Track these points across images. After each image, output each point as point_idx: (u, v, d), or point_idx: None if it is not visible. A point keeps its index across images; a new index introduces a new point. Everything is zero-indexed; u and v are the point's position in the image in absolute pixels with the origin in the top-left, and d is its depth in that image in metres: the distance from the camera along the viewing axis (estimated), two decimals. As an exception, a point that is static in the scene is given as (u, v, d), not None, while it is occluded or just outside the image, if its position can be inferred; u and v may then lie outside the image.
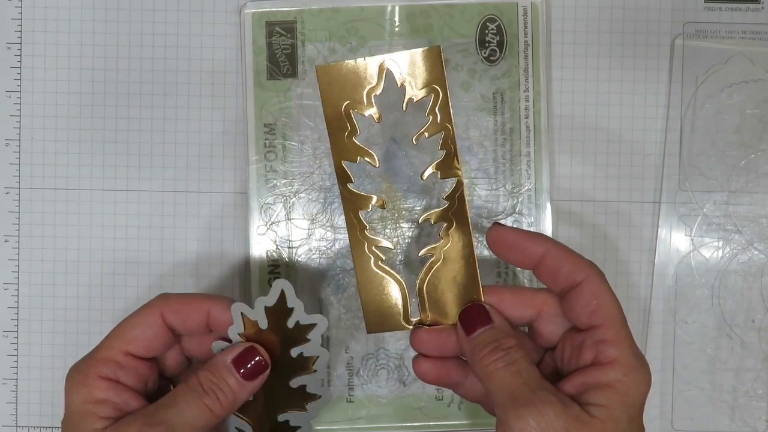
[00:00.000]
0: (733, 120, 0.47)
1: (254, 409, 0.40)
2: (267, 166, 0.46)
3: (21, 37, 0.47)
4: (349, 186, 0.38)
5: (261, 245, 0.46)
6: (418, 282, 0.39)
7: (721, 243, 0.47)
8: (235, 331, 0.39)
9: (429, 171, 0.38)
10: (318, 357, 0.39)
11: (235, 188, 0.47)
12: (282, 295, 0.38)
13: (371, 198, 0.38)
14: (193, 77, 0.47)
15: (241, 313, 0.38)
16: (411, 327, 0.39)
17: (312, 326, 0.39)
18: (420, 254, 0.39)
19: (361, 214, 0.38)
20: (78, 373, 0.37)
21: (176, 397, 0.37)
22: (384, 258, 0.39)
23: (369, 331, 0.39)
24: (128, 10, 0.47)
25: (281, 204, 0.46)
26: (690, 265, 0.47)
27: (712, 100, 0.47)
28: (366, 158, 0.38)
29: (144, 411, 0.37)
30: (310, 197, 0.47)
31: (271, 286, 0.39)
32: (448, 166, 0.37)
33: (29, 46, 0.47)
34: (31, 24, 0.47)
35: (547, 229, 0.46)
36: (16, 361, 0.48)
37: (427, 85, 0.37)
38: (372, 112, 0.37)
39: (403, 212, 0.44)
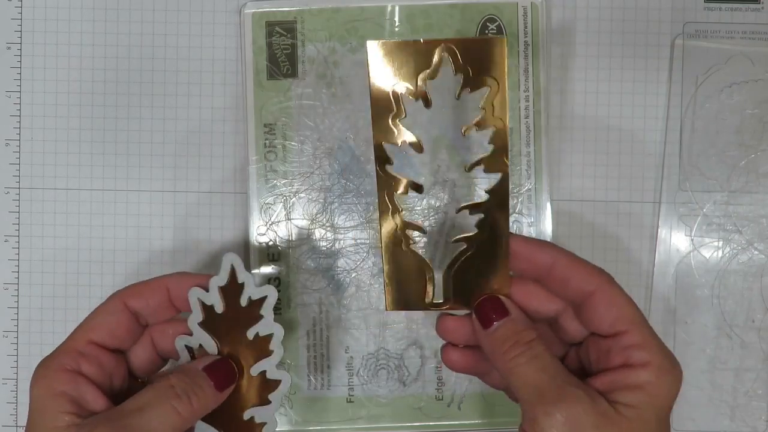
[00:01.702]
0: (733, 120, 0.47)
1: (220, 411, 0.38)
2: (267, 166, 0.46)
3: (21, 37, 0.47)
4: (387, 167, 0.37)
5: (261, 245, 0.46)
6: (446, 268, 0.38)
7: (721, 243, 0.47)
8: (194, 321, 0.38)
9: (476, 164, 0.37)
10: (272, 334, 0.38)
11: (235, 188, 0.47)
12: (233, 271, 0.37)
13: (407, 181, 0.37)
14: (193, 77, 0.47)
15: (198, 299, 0.38)
16: (433, 308, 0.38)
17: (262, 300, 0.37)
18: (453, 240, 0.38)
19: (395, 197, 0.37)
20: (41, 367, 0.37)
21: (143, 400, 0.36)
22: (414, 241, 0.38)
23: (389, 309, 0.38)
24: (128, 10, 0.47)
25: (281, 204, 0.46)
26: (690, 265, 0.47)
27: (712, 100, 0.47)
28: (410, 144, 0.36)
29: (108, 414, 0.35)
30: (310, 197, 0.47)
31: (221, 261, 0.38)
32: (496, 160, 0.36)
33: (29, 46, 0.47)
34: (31, 24, 0.47)
35: (547, 229, 0.46)
36: (16, 361, 0.48)
37: (487, 75, 0.35)
38: (422, 96, 0.36)
39: (441, 200, 0.42)
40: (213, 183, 0.47)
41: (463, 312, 0.38)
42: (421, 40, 0.35)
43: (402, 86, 0.35)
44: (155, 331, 0.40)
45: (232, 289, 0.38)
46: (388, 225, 0.37)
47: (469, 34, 0.46)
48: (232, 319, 0.38)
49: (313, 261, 0.47)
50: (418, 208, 0.42)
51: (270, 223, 0.46)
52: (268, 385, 0.39)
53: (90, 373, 0.37)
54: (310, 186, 0.47)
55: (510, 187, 0.39)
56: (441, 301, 0.38)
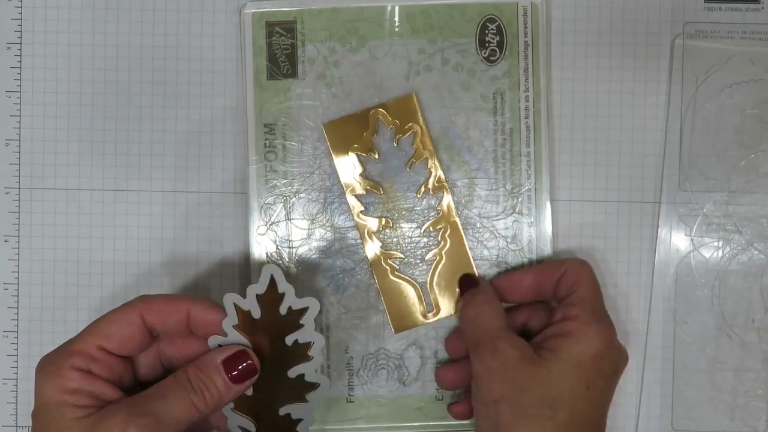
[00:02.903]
0: (733, 120, 0.47)
1: (254, 404, 0.40)
2: (267, 166, 0.46)
3: (21, 37, 0.47)
4: (362, 216, 0.46)
5: (261, 245, 0.46)
6: (428, 282, 0.46)
7: (721, 243, 0.47)
8: (229, 324, 0.38)
9: (422, 190, 0.46)
10: (313, 342, 0.39)
11: (235, 188, 0.47)
12: (272, 281, 0.38)
13: (381, 220, 0.46)
14: (193, 77, 0.47)
15: (234, 304, 0.38)
16: (429, 322, 0.46)
17: (305, 310, 0.39)
18: (426, 258, 0.46)
19: (374, 235, 0.46)
20: (50, 364, 0.37)
21: (164, 389, 0.37)
22: (398, 267, 0.46)
23: (396, 331, 0.46)
24: (128, 10, 0.47)
25: (281, 204, 0.46)
26: (690, 265, 0.47)
27: (712, 100, 0.47)
28: (373, 189, 0.46)
29: (129, 400, 0.36)
30: (310, 197, 0.47)
31: (261, 272, 0.39)
32: (436, 183, 0.46)
33: (29, 46, 0.47)
34: (31, 24, 0.47)
35: (547, 229, 0.46)
36: (16, 361, 0.48)
37: (410, 123, 0.46)
38: (371, 150, 0.46)
39: (406, 225, 0.47)
40: (213, 183, 0.47)
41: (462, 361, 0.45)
42: (358, 111, 0.46)
43: (356, 149, 0.46)
44: (166, 346, 0.40)
45: (270, 298, 0.39)
46: (376, 259, 0.46)
47: (469, 35, 0.46)
48: (269, 325, 0.39)
49: (313, 261, 0.47)
50: (393, 239, 0.46)
51: (270, 223, 0.46)
52: (305, 387, 0.40)
53: (101, 374, 0.37)
54: (310, 186, 0.47)
55: (510, 187, 0.46)
56: (433, 311, 0.46)
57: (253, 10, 0.46)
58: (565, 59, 0.47)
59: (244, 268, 0.47)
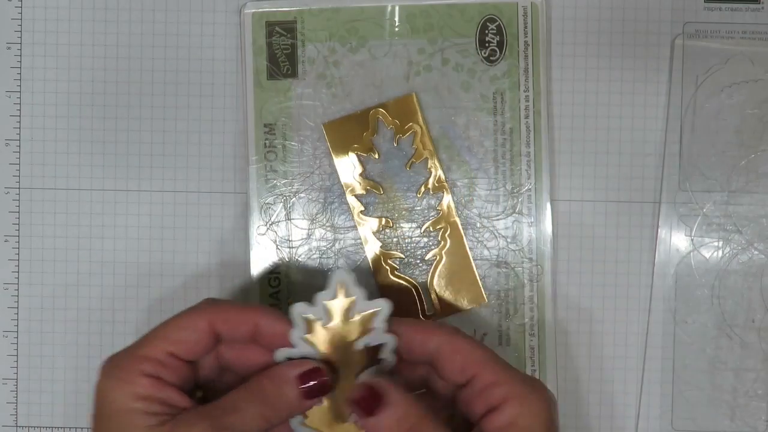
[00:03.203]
0: (733, 120, 0.47)
1: (324, 415, 0.38)
2: (267, 166, 0.46)
3: (21, 37, 0.47)
4: (362, 216, 0.46)
5: (261, 245, 0.46)
6: (428, 281, 0.46)
7: (721, 243, 0.47)
8: (297, 335, 0.38)
9: (422, 190, 0.46)
10: (385, 344, 0.38)
11: (235, 188, 0.47)
12: (341, 286, 0.38)
13: (381, 220, 0.46)
14: (193, 77, 0.47)
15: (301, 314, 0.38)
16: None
17: (375, 313, 0.38)
18: (426, 258, 0.46)
19: (374, 236, 0.46)
20: (119, 369, 0.36)
21: (237, 401, 0.36)
22: (398, 267, 0.46)
23: None
24: (128, 10, 0.47)
25: (281, 204, 0.46)
26: (690, 265, 0.47)
27: (712, 100, 0.47)
28: (373, 189, 0.46)
29: (204, 412, 0.36)
30: (310, 197, 0.47)
31: (329, 278, 0.38)
32: (436, 182, 0.46)
33: (29, 46, 0.47)
34: (31, 24, 0.47)
35: (547, 229, 0.46)
36: (16, 361, 0.48)
37: (409, 123, 0.46)
38: (370, 150, 0.46)
39: (406, 225, 0.46)
40: (213, 183, 0.47)
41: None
42: (358, 111, 0.46)
43: (356, 149, 0.46)
44: (226, 349, 0.39)
45: (339, 303, 0.38)
46: (376, 260, 0.46)
47: (469, 35, 0.46)
48: (339, 331, 0.38)
49: (313, 261, 0.47)
50: (393, 239, 0.46)
51: (270, 223, 0.46)
52: None
53: (170, 380, 0.37)
54: (310, 186, 0.47)
55: (510, 187, 0.46)
56: (432, 312, 0.46)
57: (253, 10, 0.46)
58: (565, 59, 0.47)
59: (244, 269, 0.47)
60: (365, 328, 0.38)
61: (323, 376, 0.37)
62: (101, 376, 0.37)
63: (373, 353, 0.38)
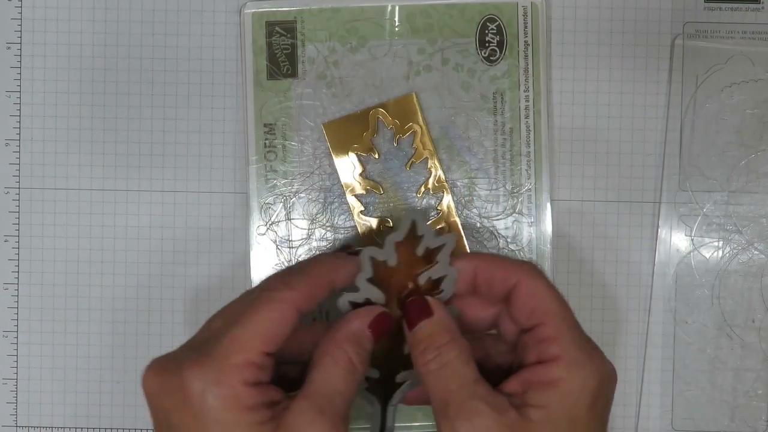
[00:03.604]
0: (733, 120, 0.47)
1: (379, 356, 0.38)
2: (267, 166, 0.46)
3: (21, 37, 0.47)
4: (362, 216, 0.46)
5: (261, 245, 0.46)
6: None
7: (721, 243, 0.47)
8: (363, 278, 0.37)
9: (422, 189, 0.46)
10: (446, 276, 0.38)
11: (235, 188, 0.47)
12: (412, 226, 0.38)
13: (379, 220, 0.46)
14: (193, 77, 0.47)
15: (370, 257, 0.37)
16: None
17: (440, 248, 0.38)
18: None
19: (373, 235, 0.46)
20: (216, 385, 0.32)
21: (329, 375, 0.34)
22: None
23: None
24: (128, 10, 0.47)
25: (281, 204, 0.46)
26: (690, 265, 0.47)
27: (712, 100, 0.47)
28: (373, 189, 0.46)
29: (305, 397, 0.34)
30: (310, 197, 0.47)
31: (402, 218, 0.39)
32: (436, 182, 0.46)
33: (29, 46, 0.47)
34: (31, 24, 0.47)
35: (547, 229, 0.46)
36: (16, 361, 0.48)
37: (409, 123, 0.46)
38: (370, 150, 0.46)
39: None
40: (213, 183, 0.47)
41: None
42: (358, 111, 0.46)
43: (356, 148, 0.46)
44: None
45: (406, 242, 0.38)
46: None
47: (469, 35, 0.46)
48: (404, 269, 0.38)
49: (313, 261, 0.47)
50: None
51: (270, 223, 0.46)
52: None
53: (267, 380, 0.34)
54: (310, 186, 0.47)
55: (510, 187, 0.46)
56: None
57: (253, 10, 0.46)
58: (565, 59, 0.47)
59: (244, 269, 0.47)
60: (429, 261, 0.38)
61: (388, 319, 0.37)
62: (194, 386, 0.32)
63: (435, 286, 0.38)
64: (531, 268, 0.36)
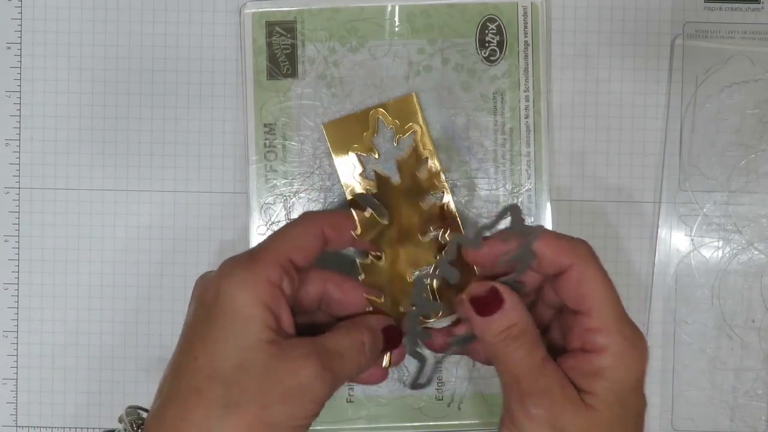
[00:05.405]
0: (733, 120, 0.47)
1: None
2: (267, 166, 0.46)
3: (21, 37, 0.47)
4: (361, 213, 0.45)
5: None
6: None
7: (721, 243, 0.47)
8: (446, 260, 0.39)
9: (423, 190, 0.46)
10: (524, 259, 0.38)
11: (235, 188, 0.47)
12: (415, 147, 0.44)
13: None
14: (193, 77, 0.47)
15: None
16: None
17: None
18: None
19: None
20: (246, 272, 0.35)
21: (343, 346, 0.37)
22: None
23: None
24: (128, 10, 0.47)
25: (281, 204, 0.46)
26: (690, 265, 0.47)
27: (712, 100, 0.47)
28: (373, 189, 0.45)
29: (314, 348, 0.36)
30: (310, 197, 0.47)
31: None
32: (435, 182, 0.45)
33: (29, 46, 0.47)
34: (31, 24, 0.47)
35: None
36: (16, 361, 0.48)
37: (409, 123, 0.46)
38: (371, 150, 0.46)
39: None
40: (213, 183, 0.47)
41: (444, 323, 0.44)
42: (358, 111, 0.46)
43: (356, 148, 0.46)
44: (334, 284, 0.41)
45: (409, 162, 0.44)
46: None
47: (469, 35, 0.46)
48: (408, 188, 0.44)
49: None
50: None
51: (270, 223, 0.46)
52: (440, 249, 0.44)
53: (287, 292, 0.36)
54: (310, 186, 0.47)
55: (510, 187, 0.46)
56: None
57: (253, 10, 0.46)
58: (565, 59, 0.47)
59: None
60: (433, 185, 0.45)
61: (398, 332, 0.41)
62: (222, 275, 0.35)
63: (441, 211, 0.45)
64: (585, 252, 0.36)
